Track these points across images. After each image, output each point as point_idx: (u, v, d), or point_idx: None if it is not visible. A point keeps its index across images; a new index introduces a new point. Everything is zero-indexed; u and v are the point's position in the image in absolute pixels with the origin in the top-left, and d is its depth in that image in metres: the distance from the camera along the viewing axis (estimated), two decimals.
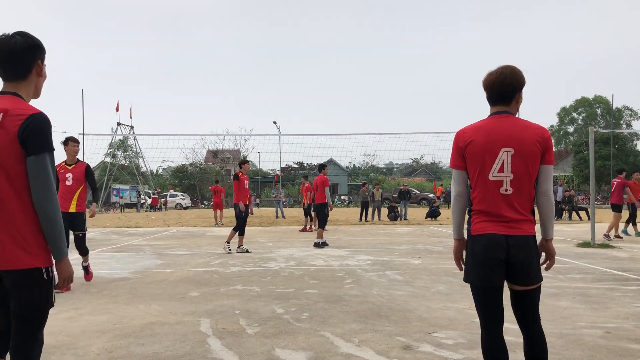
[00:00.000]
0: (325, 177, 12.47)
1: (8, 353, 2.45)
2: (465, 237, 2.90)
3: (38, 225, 2.29)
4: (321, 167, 12.76)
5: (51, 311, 6.01)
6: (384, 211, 24.50)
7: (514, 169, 2.69)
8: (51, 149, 2.27)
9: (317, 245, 11.77)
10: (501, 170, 2.70)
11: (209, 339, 4.50)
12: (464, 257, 2.90)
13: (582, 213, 23.34)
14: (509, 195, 2.70)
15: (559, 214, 23.18)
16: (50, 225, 2.27)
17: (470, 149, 2.74)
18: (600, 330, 4.71)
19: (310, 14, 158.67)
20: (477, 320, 2.99)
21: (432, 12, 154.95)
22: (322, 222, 12.10)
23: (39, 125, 2.23)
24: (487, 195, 2.72)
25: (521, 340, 2.87)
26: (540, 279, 2.76)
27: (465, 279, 2.83)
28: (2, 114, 2.22)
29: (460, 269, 2.96)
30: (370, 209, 23.23)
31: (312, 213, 16.66)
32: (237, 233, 11.01)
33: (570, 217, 23.24)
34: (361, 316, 5.27)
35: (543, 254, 2.89)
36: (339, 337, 4.51)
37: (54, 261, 2.37)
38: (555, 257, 2.92)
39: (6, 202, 2.24)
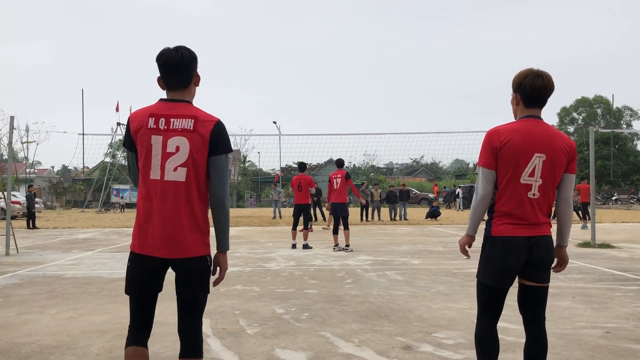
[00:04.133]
0: (310, 177, 12.45)
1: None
2: (483, 237, 2.91)
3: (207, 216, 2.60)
4: (303, 167, 12.61)
5: (51, 311, 6.01)
6: (384, 211, 24.50)
7: (543, 175, 2.73)
8: (230, 150, 2.62)
9: (305, 247, 11.64)
10: (532, 174, 2.73)
11: (209, 339, 4.50)
12: (480, 256, 2.92)
13: None
14: (535, 200, 2.74)
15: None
16: (225, 217, 2.60)
17: (506, 149, 2.73)
18: (600, 330, 4.71)
19: (310, 14, 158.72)
20: None
21: (433, 13, 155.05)
22: (307, 223, 12.07)
23: (224, 130, 2.57)
24: (515, 198, 2.74)
25: (521, 340, 2.88)
26: (549, 278, 2.86)
27: (479, 277, 2.89)
28: (193, 120, 2.52)
29: (467, 256, 3.02)
30: (370, 209, 23.22)
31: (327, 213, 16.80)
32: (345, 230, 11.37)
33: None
34: (361, 316, 5.26)
35: (556, 259, 2.94)
36: (339, 337, 4.51)
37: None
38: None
39: (193, 195, 2.53)
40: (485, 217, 2.89)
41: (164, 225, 2.49)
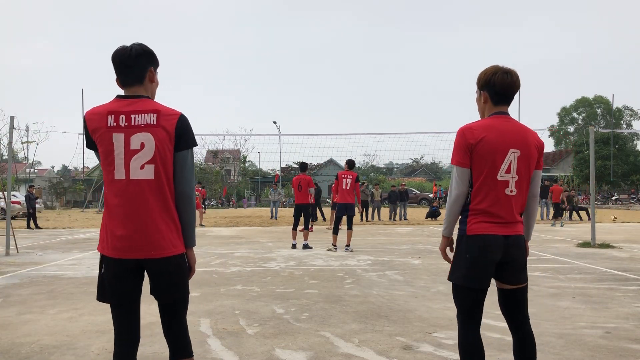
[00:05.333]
0: (310, 177, 12.37)
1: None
2: (455, 236, 2.85)
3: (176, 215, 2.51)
4: (304, 167, 12.52)
5: (51, 311, 6.00)
6: (384, 211, 24.50)
7: (518, 171, 2.71)
8: (195, 145, 2.54)
9: (305, 247, 11.64)
10: (508, 171, 2.69)
11: (208, 339, 4.50)
12: (452, 255, 2.87)
13: (583, 213, 23.36)
14: (513, 197, 2.71)
15: (560, 214, 23.19)
16: (192, 213, 2.53)
17: (482, 146, 2.67)
18: (600, 330, 4.71)
19: (310, 14, 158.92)
20: None
21: (431, 12, 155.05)
22: (308, 222, 12.04)
23: (188, 124, 2.49)
24: (492, 195, 2.69)
25: None
26: (527, 278, 2.82)
27: (453, 279, 2.79)
28: (155, 114, 2.42)
29: (449, 261, 2.91)
30: (370, 209, 23.23)
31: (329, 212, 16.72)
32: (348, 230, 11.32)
33: (570, 217, 23.24)
34: (361, 316, 5.26)
35: None
36: (339, 337, 4.51)
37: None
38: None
39: (165, 192, 2.44)
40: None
41: (137, 226, 2.38)
